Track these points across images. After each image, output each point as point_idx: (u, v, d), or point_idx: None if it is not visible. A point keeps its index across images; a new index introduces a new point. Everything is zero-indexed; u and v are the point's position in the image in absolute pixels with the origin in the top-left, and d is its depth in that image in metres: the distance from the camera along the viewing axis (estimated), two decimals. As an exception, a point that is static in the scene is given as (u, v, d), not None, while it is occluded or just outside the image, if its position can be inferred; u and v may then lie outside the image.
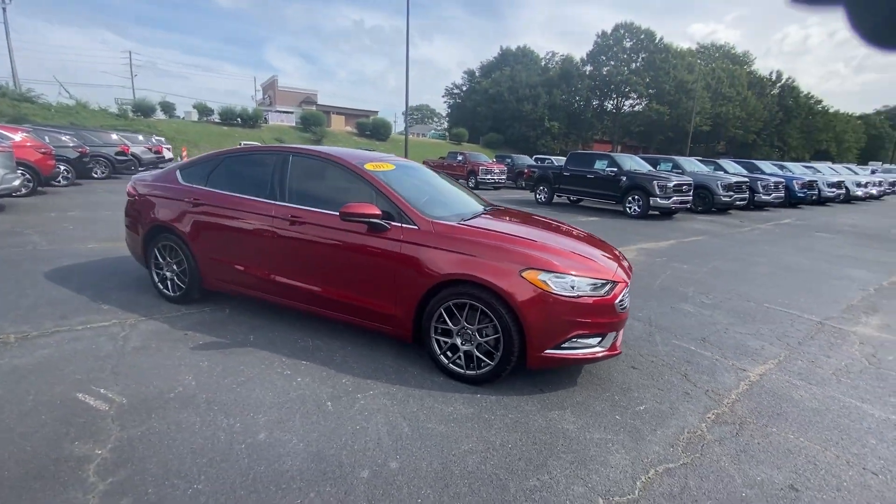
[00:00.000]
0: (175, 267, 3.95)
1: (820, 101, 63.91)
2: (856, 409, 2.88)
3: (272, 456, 2.10)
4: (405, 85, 21.49)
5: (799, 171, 18.94)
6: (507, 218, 3.62)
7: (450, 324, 2.87)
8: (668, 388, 3.00)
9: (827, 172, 19.79)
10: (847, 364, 3.57)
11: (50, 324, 3.45)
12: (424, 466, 2.10)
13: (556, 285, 2.64)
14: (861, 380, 3.30)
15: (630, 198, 12.47)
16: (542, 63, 56.85)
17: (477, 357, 2.83)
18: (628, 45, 51.65)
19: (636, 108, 54.21)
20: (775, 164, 19.17)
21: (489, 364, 2.80)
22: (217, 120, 38.84)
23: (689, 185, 12.58)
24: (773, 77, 61.57)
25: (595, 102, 53.63)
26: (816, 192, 17.33)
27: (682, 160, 15.80)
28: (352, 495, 1.90)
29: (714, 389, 3.03)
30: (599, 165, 13.50)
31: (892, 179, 23.53)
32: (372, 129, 45.25)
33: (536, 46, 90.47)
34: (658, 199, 11.96)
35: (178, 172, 4.05)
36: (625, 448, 2.33)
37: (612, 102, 53.92)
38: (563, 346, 2.71)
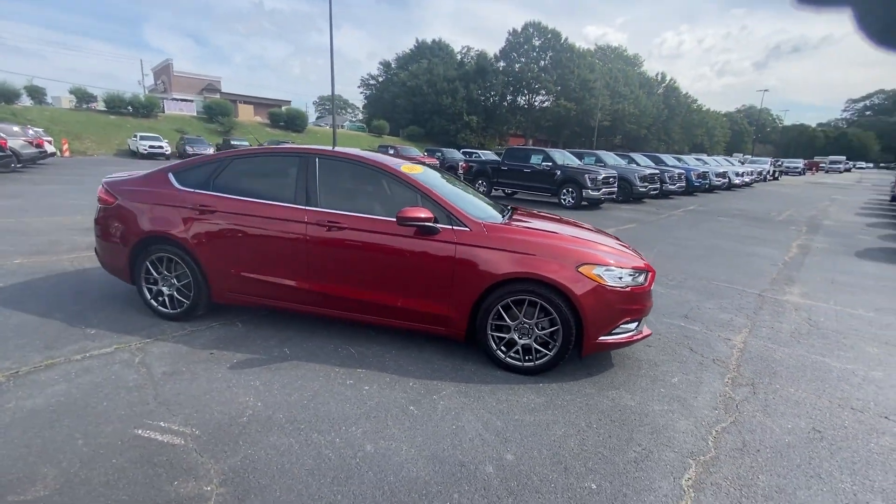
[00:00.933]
0: (175, 281, 3.58)
1: (696, 101, 73.23)
2: (821, 363, 3.57)
3: (394, 465, 2.11)
4: (330, 72, 20.62)
5: (693, 163, 21.71)
6: (538, 217, 3.84)
7: (507, 320, 3.02)
8: (685, 361, 3.46)
9: (713, 164, 22.91)
10: (796, 328, 4.36)
11: (38, 357, 2.96)
12: (536, 454, 2.26)
13: (609, 278, 2.92)
14: (812, 339, 4.06)
15: (564, 190, 13.42)
16: (459, 57, 57.95)
17: (535, 349, 3.02)
18: (537, 43, 54.61)
19: (545, 104, 57.64)
20: (675, 157, 21.75)
21: (546, 354, 3.01)
22: (102, 108, 34.01)
23: (615, 177, 13.87)
24: (659, 78, 69.18)
25: (509, 98, 56.04)
26: (708, 181, 20.03)
27: (602, 154, 17.31)
28: (490, 490, 1.99)
29: (718, 358, 3.55)
30: (535, 160, 14.32)
31: (759, 169, 27.96)
32: (286, 120, 42.82)
33: (451, 41, 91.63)
34: (590, 190, 13.01)
35: (170, 176, 3.65)
36: (683, 415, 2.69)
37: (524, 98, 56.76)
38: (613, 332, 3.01)
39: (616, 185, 13.89)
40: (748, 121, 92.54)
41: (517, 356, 3.06)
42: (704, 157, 26.54)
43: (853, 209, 16.41)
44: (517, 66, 54.71)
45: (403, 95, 53.42)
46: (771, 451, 2.39)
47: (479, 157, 22.97)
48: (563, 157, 14.50)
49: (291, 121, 42.80)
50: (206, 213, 3.43)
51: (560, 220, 3.88)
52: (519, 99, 56.56)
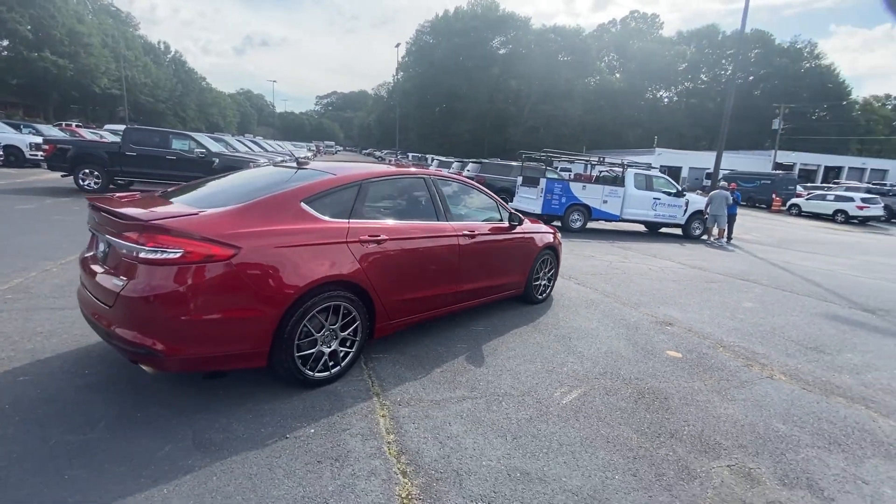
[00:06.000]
0: (340, 331, 2.93)
1: (205, 79, 73.27)
2: (616, 265, 7.67)
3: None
4: None
5: (283, 148, 24.18)
6: None
7: (540, 273, 5.03)
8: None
9: (291, 147, 26.29)
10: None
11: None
12: (628, 337, 4.76)
13: (560, 237, 5.51)
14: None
15: (226, 179, 12.76)
16: None
17: (547, 286, 5.22)
18: (-26, -43, 37.08)
19: (9, 55, 41.07)
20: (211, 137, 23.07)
21: (549, 286, 5.29)
22: None
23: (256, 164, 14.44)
24: (163, 48, 63.92)
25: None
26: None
27: (197, 135, 16.69)
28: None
29: (572, 276, 6.89)
30: (181, 146, 12.47)
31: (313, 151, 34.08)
32: None
33: None
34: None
35: (304, 206, 2.77)
36: (634, 307, 5.82)
37: (-32, 36, 37.95)
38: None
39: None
40: (250, 103, 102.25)
41: (541, 294, 5.15)
42: (227, 136, 25.15)
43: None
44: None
45: None
46: (675, 301, 5.96)
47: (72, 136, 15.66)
48: (212, 144, 13.41)
49: None
50: (373, 243, 3.08)
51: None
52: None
